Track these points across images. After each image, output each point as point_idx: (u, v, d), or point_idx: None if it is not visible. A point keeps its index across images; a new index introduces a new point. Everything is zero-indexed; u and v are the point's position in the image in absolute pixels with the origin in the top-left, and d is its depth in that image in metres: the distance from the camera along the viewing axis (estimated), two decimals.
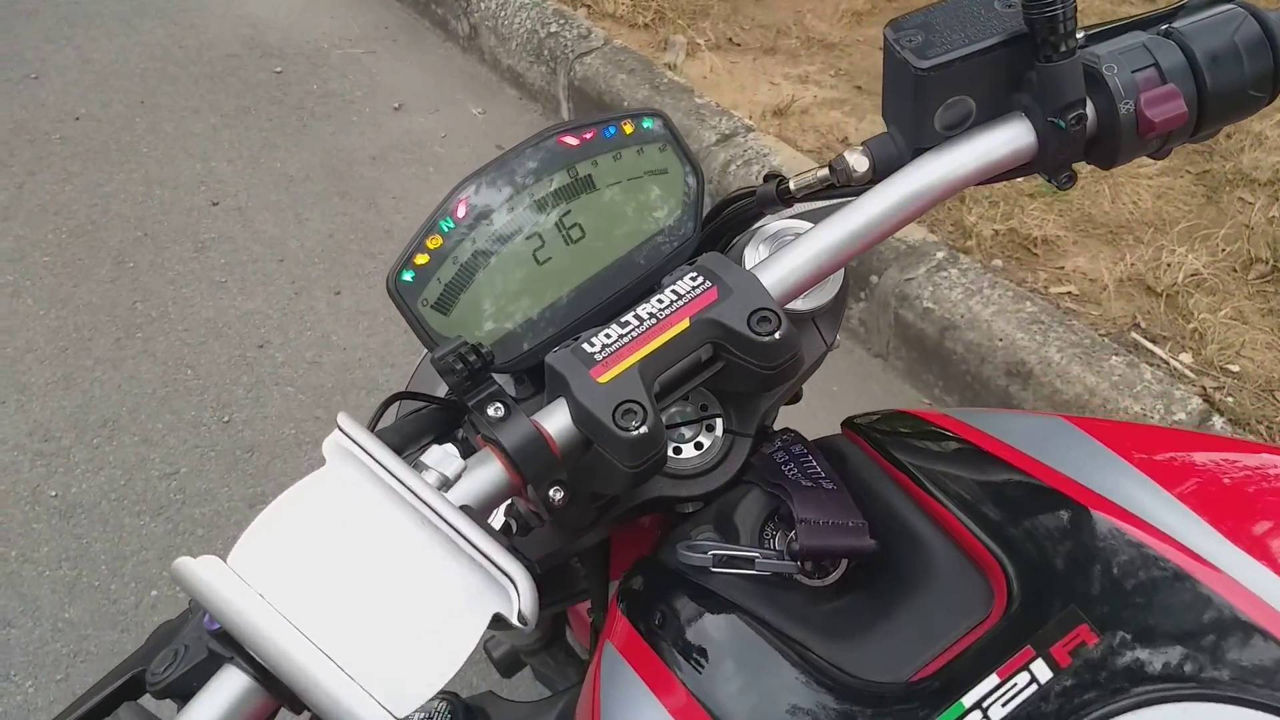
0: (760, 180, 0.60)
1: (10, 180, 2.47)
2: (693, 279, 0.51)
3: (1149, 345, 1.88)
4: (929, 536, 0.50)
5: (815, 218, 0.65)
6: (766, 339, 0.48)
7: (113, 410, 1.94)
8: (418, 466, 0.45)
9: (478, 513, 0.45)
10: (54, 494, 1.79)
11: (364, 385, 1.97)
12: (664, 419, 0.60)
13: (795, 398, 0.81)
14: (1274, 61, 0.50)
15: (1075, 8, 0.47)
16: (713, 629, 0.50)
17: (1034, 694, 0.43)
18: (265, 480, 1.80)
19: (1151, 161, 2.35)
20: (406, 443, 0.53)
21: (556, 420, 0.49)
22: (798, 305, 0.62)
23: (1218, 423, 1.67)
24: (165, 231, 2.35)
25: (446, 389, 0.64)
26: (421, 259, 0.53)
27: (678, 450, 0.58)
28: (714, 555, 0.50)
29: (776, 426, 0.72)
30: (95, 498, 1.79)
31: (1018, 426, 0.55)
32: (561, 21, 2.72)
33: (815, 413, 2.03)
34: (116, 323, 2.12)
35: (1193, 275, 1.99)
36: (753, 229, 0.63)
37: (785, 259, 0.52)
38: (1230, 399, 1.77)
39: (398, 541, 0.41)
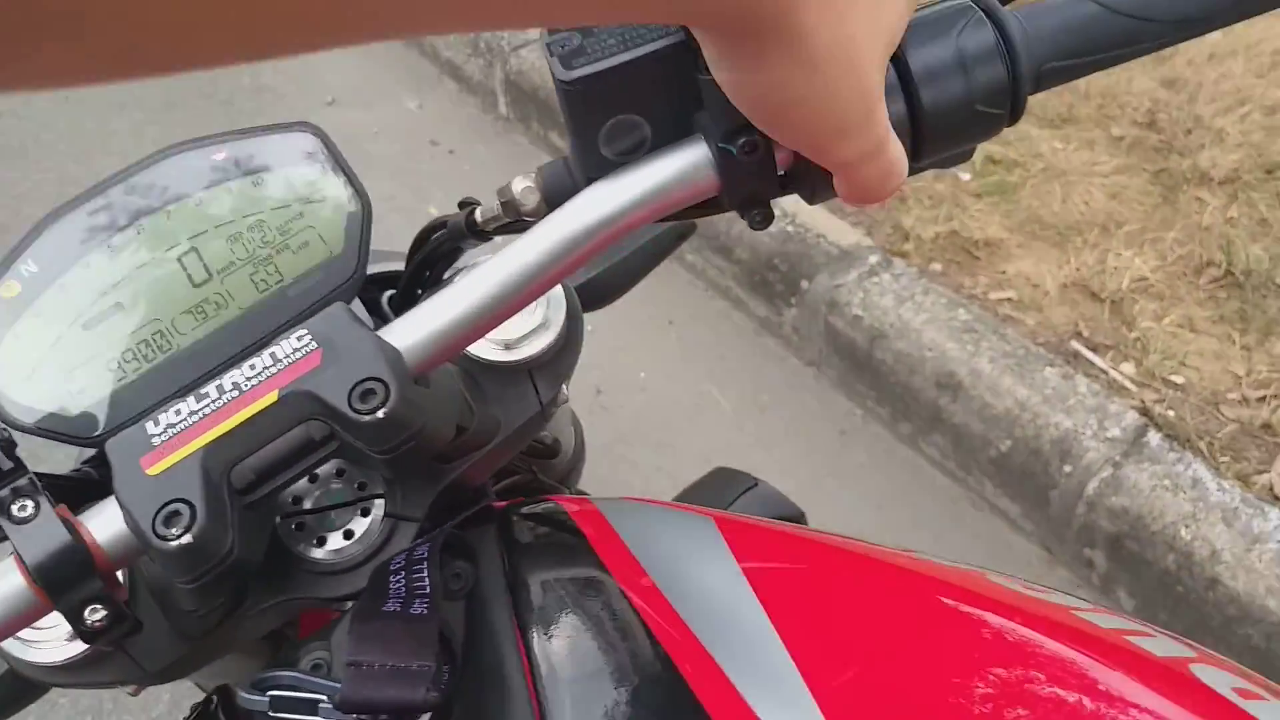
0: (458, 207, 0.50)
1: None
2: (299, 339, 0.41)
3: (1089, 355, 1.78)
4: (513, 678, 0.41)
5: None
6: (366, 417, 0.38)
7: None
8: None
9: None
10: None
11: None
12: (315, 501, 0.50)
13: (550, 450, 0.72)
14: (1009, 72, 0.40)
15: None
16: None
17: None
18: None
19: (1107, 158, 2.26)
20: None
21: (110, 520, 0.39)
22: (507, 356, 0.53)
23: (1154, 439, 1.57)
24: None
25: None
26: None
27: (322, 540, 0.49)
28: (272, 698, 0.41)
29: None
30: None
31: (662, 524, 0.46)
32: None
33: (743, 425, 1.95)
34: None
35: (1139, 280, 1.89)
36: (459, 263, 0.53)
37: (421, 315, 0.42)
38: (1171, 412, 1.67)
39: None
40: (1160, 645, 0.37)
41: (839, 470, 1.84)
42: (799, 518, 0.78)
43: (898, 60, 0.39)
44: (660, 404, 1.94)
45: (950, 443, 1.76)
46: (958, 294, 1.87)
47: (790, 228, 1.98)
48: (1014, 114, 0.40)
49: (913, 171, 0.42)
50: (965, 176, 2.14)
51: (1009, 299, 1.90)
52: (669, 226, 0.72)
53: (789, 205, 2.03)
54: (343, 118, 2.63)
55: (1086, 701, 0.35)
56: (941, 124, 0.39)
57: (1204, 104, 2.25)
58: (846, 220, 2.03)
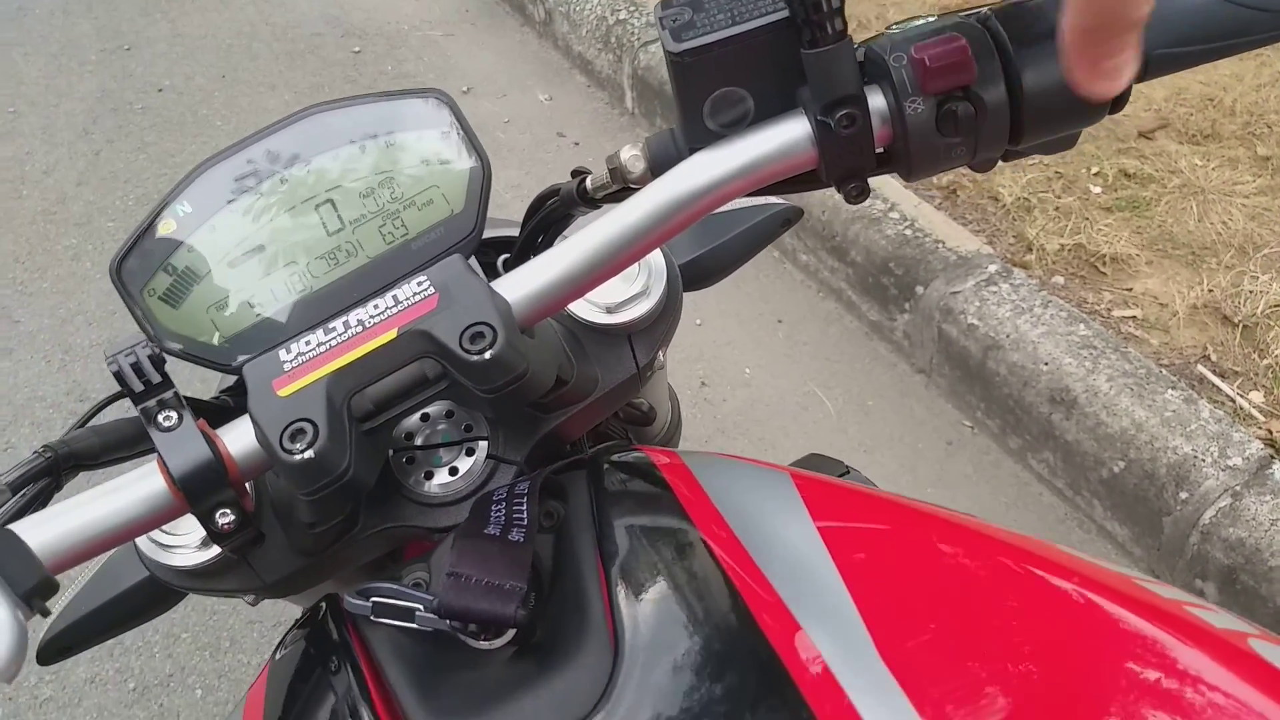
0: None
1: (89, 147, 2.58)
2: (419, 285, 0.45)
3: (1215, 380, 1.71)
4: (593, 606, 0.43)
5: None
6: (475, 357, 0.42)
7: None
8: None
9: None
10: None
11: None
12: (426, 438, 0.54)
13: (646, 418, 0.74)
14: None
15: None
16: (340, 686, 0.46)
17: None
18: None
19: (1250, 178, 2.15)
20: (110, 450, 0.48)
21: (241, 436, 0.44)
22: (607, 319, 0.56)
23: (1278, 471, 1.50)
24: None
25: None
26: (150, 244, 0.48)
27: (430, 474, 0.53)
28: (374, 603, 0.45)
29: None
30: None
31: (741, 478, 0.48)
32: (631, 8, 2.66)
33: (846, 428, 1.94)
34: None
35: (1276, 306, 1.80)
36: (569, 230, 0.57)
37: (531, 270, 0.45)
38: None
39: None
40: (1220, 619, 0.38)
41: (943, 480, 1.82)
42: None
43: (999, 43, 0.40)
44: (764, 401, 1.95)
45: (1060, 460, 1.72)
46: (1079, 309, 1.82)
47: (908, 231, 1.96)
48: (1118, 101, 0.41)
49: (1011, 156, 0.43)
50: (1096, 189, 2.08)
51: (1133, 317, 1.84)
52: (773, 212, 0.74)
53: (909, 210, 2.01)
54: (477, 106, 2.72)
55: (1144, 666, 0.35)
56: (1041, 108, 0.40)
57: None
58: (967, 227, 2.00)
